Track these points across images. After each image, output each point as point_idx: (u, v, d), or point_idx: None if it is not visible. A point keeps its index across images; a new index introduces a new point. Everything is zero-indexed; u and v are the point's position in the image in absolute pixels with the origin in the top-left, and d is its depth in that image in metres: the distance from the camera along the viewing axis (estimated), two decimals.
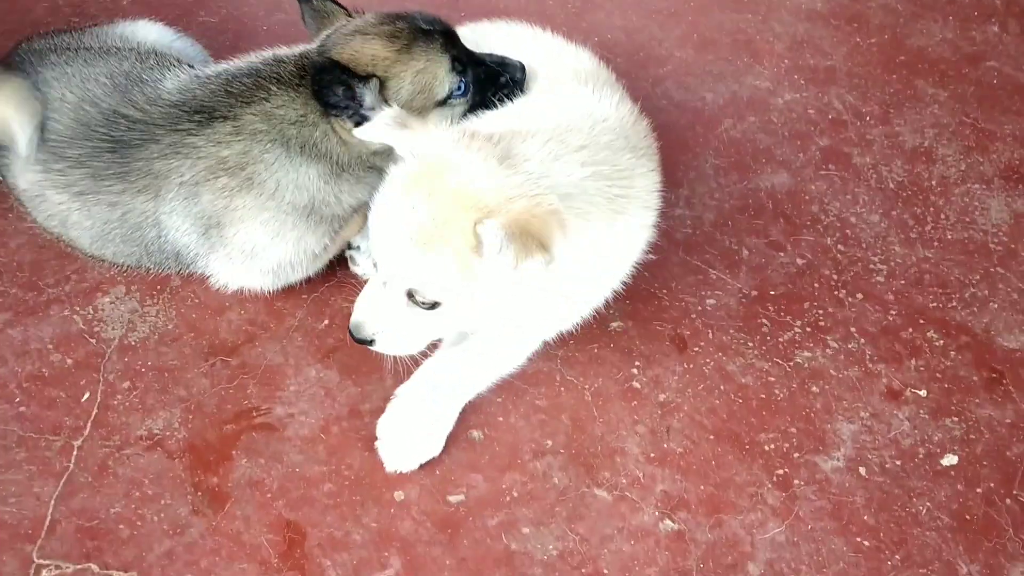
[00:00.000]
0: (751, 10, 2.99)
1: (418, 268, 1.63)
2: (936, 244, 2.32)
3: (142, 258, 2.04)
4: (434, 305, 1.69)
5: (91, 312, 2.04)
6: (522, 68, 2.04)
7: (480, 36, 2.20)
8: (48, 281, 2.09)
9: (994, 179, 2.49)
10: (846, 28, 2.95)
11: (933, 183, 2.47)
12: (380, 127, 1.74)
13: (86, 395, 1.91)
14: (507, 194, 1.60)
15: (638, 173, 1.88)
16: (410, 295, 1.69)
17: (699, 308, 2.15)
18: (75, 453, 1.82)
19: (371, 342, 1.77)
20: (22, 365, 1.94)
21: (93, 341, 1.99)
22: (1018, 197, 2.46)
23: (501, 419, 1.93)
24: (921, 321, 2.16)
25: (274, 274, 2.02)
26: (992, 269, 2.28)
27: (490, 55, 2.06)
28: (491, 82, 1.99)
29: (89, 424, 1.86)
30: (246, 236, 1.94)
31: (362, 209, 1.99)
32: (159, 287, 2.10)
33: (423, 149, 1.68)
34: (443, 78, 1.92)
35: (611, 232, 1.81)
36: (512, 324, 1.93)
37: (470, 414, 1.93)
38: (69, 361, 1.96)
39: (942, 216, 2.39)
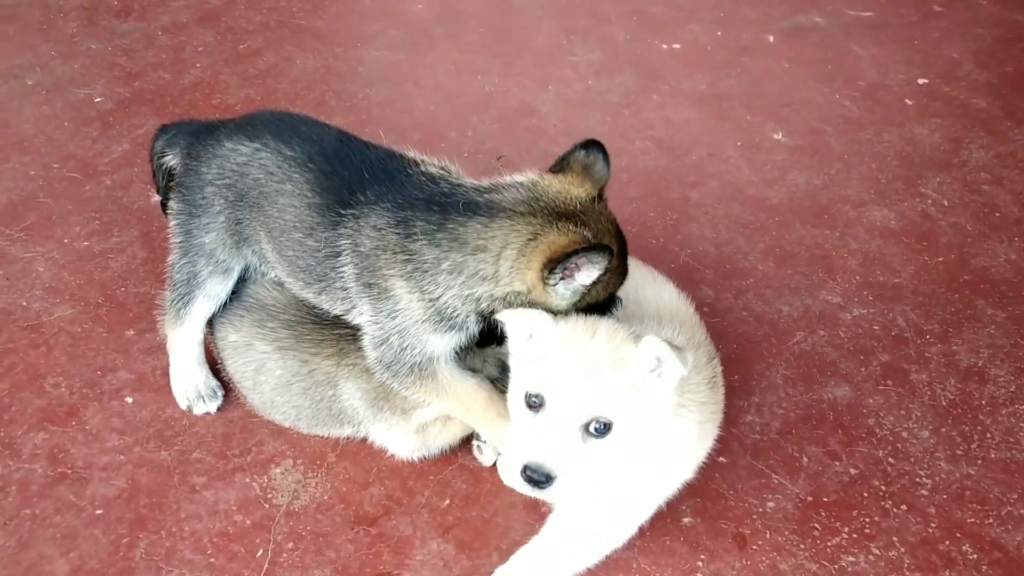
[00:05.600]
0: (830, 226, 3.41)
1: (600, 390, 1.99)
2: (980, 462, 2.64)
3: (308, 413, 2.60)
4: (607, 429, 2.00)
5: (266, 480, 2.59)
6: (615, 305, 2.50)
7: None
8: (234, 451, 2.66)
9: None
10: (916, 246, 3.32)
11: (983, 403, 2.79)
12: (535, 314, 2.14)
13: (260, 552, 2.43)
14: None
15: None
16: (585, 427, 2.01)
17: (760, 510, 2.53)
18: None
19: (547, 481, 1.99)
20: (213, 523, 2.49)
21: (267, 506, 2.53)
22: None
23: None
24: (958, 535, 2.47)
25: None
26: None
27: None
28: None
29: None
30: None
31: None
32: (318, 462, 2.64)
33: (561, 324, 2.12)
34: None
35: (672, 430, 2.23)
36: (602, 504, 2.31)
37: None
38: (248, 521, 2.49)
39: (988, 435, 2.70)
